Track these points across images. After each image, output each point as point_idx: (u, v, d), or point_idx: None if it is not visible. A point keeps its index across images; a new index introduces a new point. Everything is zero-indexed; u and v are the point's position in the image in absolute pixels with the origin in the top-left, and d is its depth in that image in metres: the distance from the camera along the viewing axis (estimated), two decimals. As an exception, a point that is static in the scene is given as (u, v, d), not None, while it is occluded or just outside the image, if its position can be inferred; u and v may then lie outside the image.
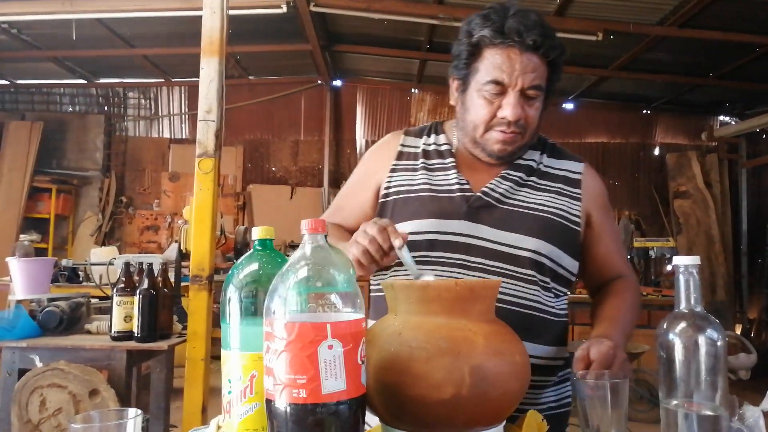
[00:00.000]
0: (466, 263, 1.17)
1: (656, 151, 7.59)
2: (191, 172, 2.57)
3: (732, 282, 7.01)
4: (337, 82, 7.71)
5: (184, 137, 7.82)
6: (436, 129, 1.38)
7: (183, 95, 7.83)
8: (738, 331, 6.65)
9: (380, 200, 1.31)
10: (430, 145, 1.34)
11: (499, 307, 1.12)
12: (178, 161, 7.59)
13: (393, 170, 1.32)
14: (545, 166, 1.30)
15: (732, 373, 5.32)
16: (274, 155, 7.75)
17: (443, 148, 1.33)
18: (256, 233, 0.83)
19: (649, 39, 5.33)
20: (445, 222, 1.20)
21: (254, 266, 0.80)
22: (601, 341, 1.02)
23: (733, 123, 7.48)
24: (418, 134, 1.37)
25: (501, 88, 1.17)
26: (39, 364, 2.22)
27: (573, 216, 1.25)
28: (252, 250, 0.84)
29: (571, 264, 1.25)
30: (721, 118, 7.68)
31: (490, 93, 1.18)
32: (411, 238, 1.22)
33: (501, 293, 1.15)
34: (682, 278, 0.78)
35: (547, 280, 1.21)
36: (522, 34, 1.14)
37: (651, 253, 5.98)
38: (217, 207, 2.57)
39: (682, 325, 0.76)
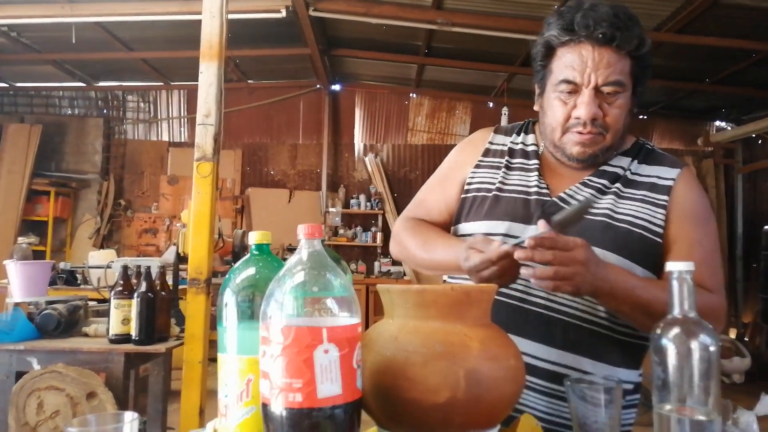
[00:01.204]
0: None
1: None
2: (190, 176, 2.57)
3: (727, 286, 6.99)
4: (336, 86, 7.73)
5: (183, 140, 7.82)
6: (527, 128, 1.32)
7: (182, 99, 7.84)
8: (732, 335, 6.66)
9: (462, 195, 1.27)
10: (517, 144, 1.29)
11: (567, 322, 1.10)
12: (177, 164, 7.60)
13: (478, 166, 1.29)
14: (633, 173, 1.20)
15: (726, 377, 5.33)
16: (272, 159, 7.76)
17: (530, 148, 1.27)
18: (253, 238, 0.84)
19: (646, 44, 5.33)
20: (518, 225, 1.16)
21: (251, 270, 0.81)
22: (578, 244, 0.96)
23: (729, 128, 7.50)
24: (509, 132, 1.33)
25: (574, 87, 1.12)
26: (36, 367, 2.22)
27: (655, 226, 1.13)
28: (249, 254, 0.84)
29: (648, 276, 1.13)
30: (717, 123, 7.70)
31: (564, 93, 1.13)
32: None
33: (567, 307, 1.10)
34: (675, 284, 0.78)
35: None
36: (591, 27, 1.08)
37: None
38: (216, 210, 2.58)
39: (676, 330, 0.77)
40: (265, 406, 0.68)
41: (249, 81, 7.59)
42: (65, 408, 2.12)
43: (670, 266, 0.78)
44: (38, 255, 6.34)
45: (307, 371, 0.65)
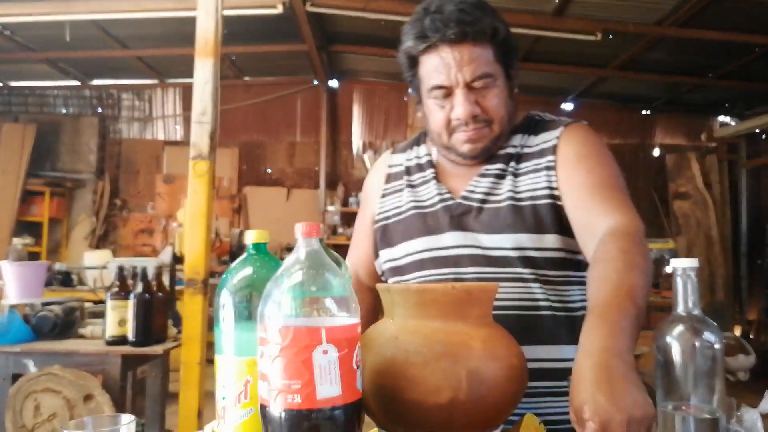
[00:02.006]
0: (459, 276, 1.12)
1: (655, 152, 7.61)
2: (186, 175, 2.55)
3: (731, 283, 7.03)
4: (334, 83, 7.70)
5: (178, 139, 7.80)
6: (419, 140, 1.33)
7: (177, 96, 7.81)
8: (737, 333, 6.67)
9: (374, 227, 1.28)
10: (411, 159, 1.31)
11: (500, 314, 1.06)
12: (173, 163, 7.57)
13: (383, 195, 1.30)
14: (525, 147, 1.19)
15: (731, 375, 5.33)
16: (269, 157, 7.74)
17: (423, 160, 1.28)
18: (250, 237, 0.82)
19: (648, 39, 5.34)
20: (433, 238, 1.16)
21: (248, 270, 0.80)
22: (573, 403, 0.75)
23: (732, 123, 7.50)
24: (404, 149, 1.34)
25: (445, 91, 1.12)
26: (33, 369, 2.21)
27: (553, 190, 1.12)
28: (246, 254, 0.83)
29: (575, 245, 1.12)
30: (721, 118, 7.70)
31: (438, 98, 1.14)
32: (402, 261, 1.20)
33: (500, 299, 1.09)
34: (680, 281, 0.77)
35: (552, 272, 1.11)
36: (441, 30, 1.08)
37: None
38: (212, 210, 2.56)
39: (680, 328, 0.76)
40: (263, 407, 0.67)
41: (245, 78, 7.56)
42: (62, 410, 2.11)
43: (675, 263, 0.78)
44: (34, 256, 6.32)
45: (305, 372, 0.64)
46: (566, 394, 1.07)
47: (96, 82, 7.72)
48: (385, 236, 1.24)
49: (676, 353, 0.75)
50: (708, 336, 0.75)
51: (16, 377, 2.22)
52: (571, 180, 1.11)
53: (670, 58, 5.88)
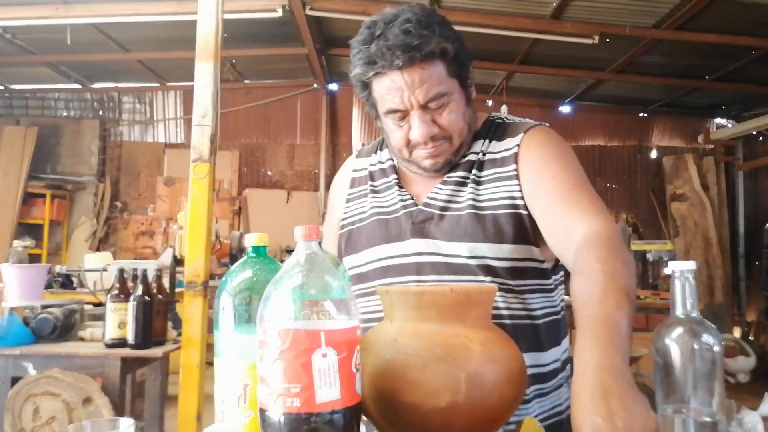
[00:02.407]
0: (420, 284, 1.10)
1: (653, 154, 7.61)
2: (186, 177, 2.55)
3: (730, 285, 7.03)
4: (333, 86, 7.71)
5: (179, 142, 7.80)
6: (381, 144, 1.32)
7: (178, 99, 7.82)
8: (736, 334, 6.66)
9: (339, 232, 1.27)
10: (375, 164, 1.29)
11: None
12: (173, 166, 7.58)
13: (348, 200, 1.29)
14: (487, 153, 1.18)
15: (730, 377, 5.33)
16: (270, 159, 7.74)
17: (386, 165, 1.27)
18: (250, 240, 0.82)
19: (645, 42, 5.34)
20: (395, 245, 1.15)
21: (248, 273, 0.80)
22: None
23: (729, 125, 7.50)
24: (369, 153, 1.33)
25: (400, 114, 1.11)
26: (32, 372, 2.21)
27: (516, 200, 1.11)
28: (246, 257, 0.83)
29: (539, 253, 1.11)
30: (718, 120, 7.71)
31: (394, 120, 1.13)
32: (365, 268, 1.18)
33: None
34: (678, 283, 0.77)
35: (511, 282, 1.09)
36: (388, 58, 1.05)
37: (648, 256, 5.99)
38: (213, 212, 2.56)
39: (678, 330, 0.76)
40: (262, 411, 0.67)
41: (245, 81, 7.57)
42: (61, 414, 2.11)
43: (673, 265, 0.78)
44: (34, 258, 6.32)
45: (305, 376, 0.64)
46: (530, 400, 1.09)
47: (97, 85, 7.73)
48: (349, 242, 1.23)
49: (675, 356, 0.75)
50: (707, 338, 0.75)
51: (15, 380, 2.22)
52: (537, 189, 1.09)
53: (667, 60, 5.89)
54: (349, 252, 1.23)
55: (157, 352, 2.27)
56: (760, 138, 7.25)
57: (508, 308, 1.10)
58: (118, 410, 2.18)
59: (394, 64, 1.06)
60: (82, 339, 2.40)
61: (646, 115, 7.65)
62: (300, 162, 7.72)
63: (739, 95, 6.86)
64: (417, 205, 1.18)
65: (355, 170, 1.32)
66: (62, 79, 7.31)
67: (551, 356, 1.14)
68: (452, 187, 1.16)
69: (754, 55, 5.55)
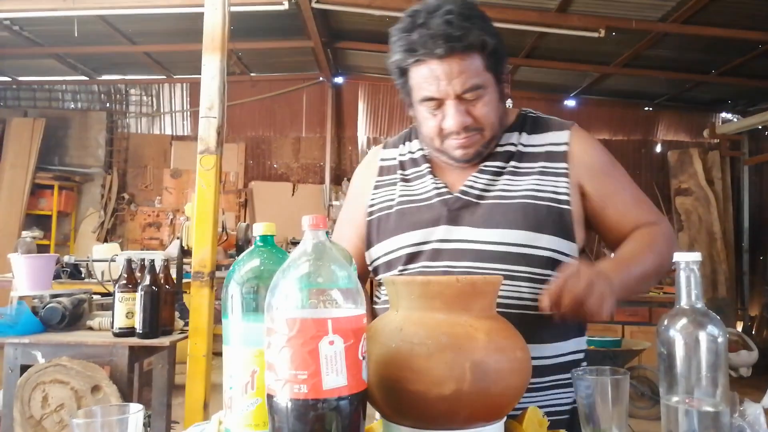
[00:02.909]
0: (450, 270, 1.12)
1: (658, 149, 7.58)
2: (193, 169, 2.57)
3: (733, 279, 7.01)
4: (339, 79, 7.70)
5: (185, 134, 7.82)
6: (411, 136, 1.33)
7: (185, 92, 7.83)
8: (739, 329, 6.65)
9: (366, 219, 1.27)
10: (405, 154, 1.30)
11: (509, 313, 1.08)
12: (180, 158, 7.60)
13: (376, 187, 1.30)
14: (525, 146, 1.21)
15: (733, 371, 5.33)
16: (275, 152, 7.75)
17: (417, 155, 1.29)
18: (258, 229, 0.83)
19: (651, 35, 5.31)
20: (427, 231, 1.16)
21: (255, 262, 0.80)
22: (578, 272, 0.98)
23: (735, 120, 7.46)
24: (396, 144, 1.34)
25: (436, 102, 1.13)
26: (41, 360, 2.23)
27: (560, 195, 1.15)
28: (253, 246, 0.84)
29: (568, 247, 1.15)
30: (724, 115, 7.67)
31: (429, 108, 1.14)
32: (396, 254, 1.19)
33: (506, 298, 1.10)
34: (683, 275, 0.78)
35: (543, 271, 1.12)
36: (430, 46, 1.08)
37: (652, 250, 5.96)
38: (219, 203, 2.57)
39: (683, 321, 0.76)
40: (270, 397, 0.68)
41: (252, 74, 7.57)
42: (70, 401, 2.13)
43: (678, 257, 0.78)
44: (42, 249, 6.34)
45: (312, 363, 0.65)
46: (547, 389, 1.12)
47: (104, 77, 7.75)
48: (378, 229, 1.24)
49: (680, 347, 0.76)
50: (711, 329, 0.75)
51: (24, 368, 2.24)
52: (605, 189, 1.19)
53: (673, 54, 5.85)
54: (378, 239, 1.23)
55: (164, 341, 2.28)
56: (766, 133, 7.21)
57: (534, 298, 1.11)
58: (126, 398, 2.20)
59: (434, 52, 1.08)
60: (90, 328, 2.42)
61: (651, 109, 7.62)
62: (305, 155, 7.73)
63: (745, 90, 6.82)
64: (452, 193, 1.19)
65: (383, 159, 1.33)
66: (69, 71, 7.33)
67: (571, 346, 1.17)
68: (489, 176, 1.19)
69: (761, 50, 5.51)
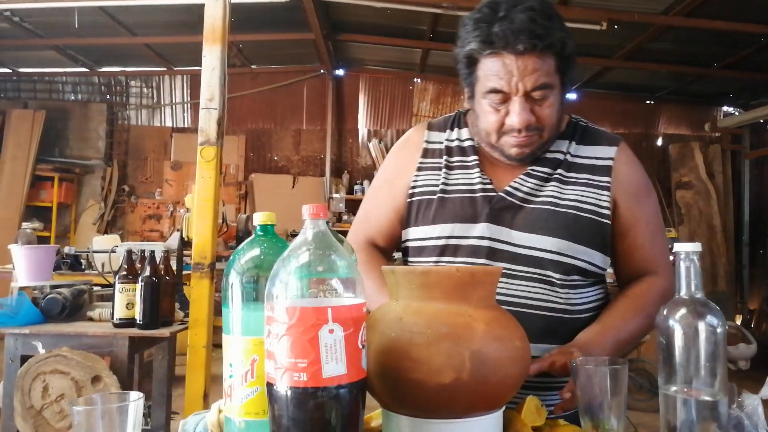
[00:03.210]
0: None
1: (659, 142, 7.57)
2: (193, 161, 2.57)
3: (733, 272, 7.02)
4: (340, 72, 7.69)
5: (186, 126, 7.81)
6: (459, 122, 1.31)
7: (185, 84, 7.82)
8: (738, 322, 6.66)
9: (407, 200, 1.26)
10: (453, 141, 1.28)
11: (526, 313, 1.12)
12: (180, 150, 7.59)
13: (419, 169, 1.27)
14: (573, 156, 1.22)
15: (732, 364, 5.34)
16: (276, 144, 7.75)
17: (466, 144, 1.27)
18: (258, 218, 0.83)
19: (653, 28, 5.29)
20: (467, 225, 1.16)
21: (256, 251, 0.80)
22: (568, 352, 1.01)
23: (736, 114, 7.45)
24: (442, 128, 1.31)
25: (503, 96, 1.11)
26: (41, 351, 2.23)
27: (601, 208, 1.17)
28: (254, 235, 0.84)
29: (602, 260, 1.18)
30: (725, 108, 7.65)
31: (493, 102, 1.13)
32: (431, 242, 1.19)
33: (528, 298, 1.12)
34: (682, 265, 0.78)
35: (577, 279, 1.15)
36: (510, 41, 1.06)
37: (653, 243, 5.97)
38: (219, 195, 2.57)
39: (683, 311, 0.76)
40: (270, 385, 0.68)
41: (252, 66, 7.56)
42: (70, 391, 2.14)
43: (678, 247, 0.78)
44: (42, 240, 6.34)
45: (312, 351, 0.65)
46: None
47: (104, 69, 7.73)
48: (417, 213, 1.23)
49: (679, 336, 0.76)
50: (711, 319, 0.75)
51: (24, 359, 2.25)
52: (633, 214, 1.20)
53: (675, 48, 5.83)
54: (418, 223, 1.22)
55: (164, 332, 2.29)
56: (767, 126, 7.20)
57: (566, 303, 1.15)
58: (126, 389, 2.19)
59: (515, 47, 1.07)
60: (90, 319, 2.43)
61: (652, 102, 7.60)
62: (306, 147, 7.72)
63: (747, 83, 6.81)
64: (496, 192, 1.19)
65: (429, 141, 1.30)
66: (69, 62, 7.32)
67: None
68: (536, 180, 1.19)
69: (763, 43, 5.50)
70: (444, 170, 1.24)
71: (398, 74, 7.64)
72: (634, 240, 1.20)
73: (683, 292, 0.78)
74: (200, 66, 2.56)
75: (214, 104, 2.51)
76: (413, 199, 1.25)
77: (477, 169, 1.22)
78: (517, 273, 1.13)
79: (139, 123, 7.88)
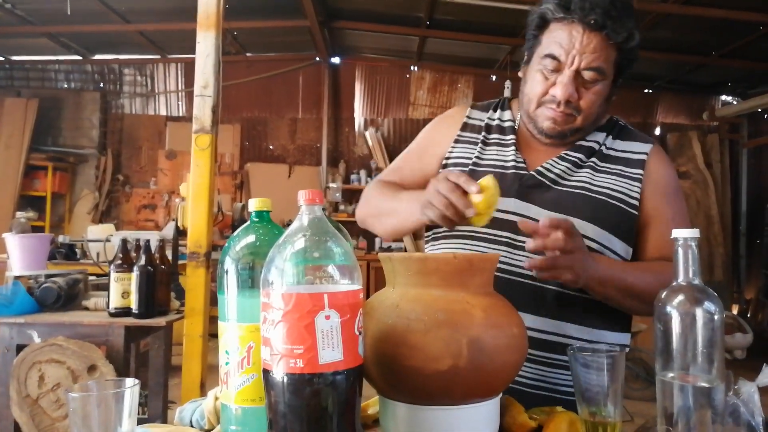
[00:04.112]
0: (512, 242, 1.15)
1: (657, 131, 7.57)
2: (188, 150, 2.55)
3: (730, 262, 7.05)
4: (336, 60, 7.65)
5: (180, 115, 7.76)
6: (503, 105, 1.34)
7: (179, 72, 7.76)
8: (735, 311, 6.70)
9: (440, 170, 1.28)
10: (494, 120, 1.32)
11: (549, 289, 1.13)
12: (175, 139, 7.55)
13: (456, 141, 1.31)
14: (608, 148, 1.25)
15: (728, 353, 5.38)
16: (271, 133, 7.71)
17: (506, 124, 1.30)
18: (253, 204, 0.82)
19: (651, 17, 5.27)
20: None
21: (251, 238, 0.80)
22: (572, 235, 0.99)
23: (734, 103, 7.44)
24: (485, 108, 1.35)
25: (557, 65, 1.13)
26: (37, 340, 2.23)
27: (631, 198, 1.19)
28: (249, 221, 0.83)
29: (624, 249, 1.19)
30: (723, 97, 7.65)
31: (546, 68, 1.15)
32: None
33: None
34: (681, 251, 0.77)
35: None
36: (586, 11, 1.09)
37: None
38: (215, 183, 2.56)
39: (680, 297, 0.76)
40: (266, 372, 0.68)
41: (247, 54, 7.50)
42: (66, 380, 2.14)
43: (675, 233, 0.78)
44: (37, 230, 6.32)
45: (308, 337, 0.65)
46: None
47: (97, 56, 7.67)
48: None
49: (676, 323, 0.75)
50: (708, 305, 0.75)
51: (20, 348, 2.24)
52: (659, 211, 1.20)
53: (673, 36, 5.81)
54: None
55: (160, 321, 2.28)
56: (766, 116, 7.20)
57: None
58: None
59: (586, 19, 1.09)
60: (86, 308, 2.42)
61: (650, 91, 7.59)
62: (302, 136, 7.69)
63: (745, 72, 6.80)
64: (528, 170, 1.21)
65: (470, 117, 1.34)
66: (62, 50, 7.25)
67: (616, 338, 1.20)
68: (569, 164, 1.21)
69: (762, 32, 5.48)
70: (480, 145, 1.28)
71: (395, 62, 7.61)
72: (654, 235, 1.21)
73: (681, 279, 0.77)
74: (194, 54, 2.53)
75: (208, 91, 2.49)
76: (445, 170, 1.25)
77: (512, 148, 1.25)
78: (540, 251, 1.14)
79: (133, 111, 7.82)
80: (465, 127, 1.32)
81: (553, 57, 1.13)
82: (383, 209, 1.27)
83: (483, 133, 1.29)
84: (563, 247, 0.97)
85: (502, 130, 1.29)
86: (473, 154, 1.27)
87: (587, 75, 1.13)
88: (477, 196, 0.95)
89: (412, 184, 1.31)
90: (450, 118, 1.37)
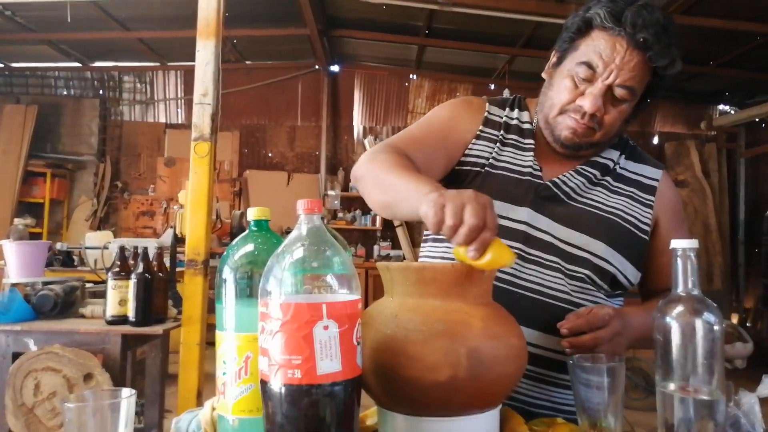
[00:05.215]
0: (522, 254, 1.12)
1: (655, 140, 7.58)
2: (187, 158, 2.55)
3: (729, 271, 7.04)
4: (335, 68, 7.66)
5: (180, 122, 7.77)
6: (520, 104, 1.30)
7: (179, 79, 7.78)
8: (734, 321, 6.69)
9: (456, 167, 1.22)
10: (513, 119, 1.27)
11: (549, 303, 1.11)
12: (174, 146, 7.55)
13: (478, 137, 1.24)
14: (621, 168, 1.24)
15: (728, 362, 5.37)
16: (270, 141, 7.72)
17: (525, 126, 1.26)
18: (252, 214, 0.82)
19: (648, 26, 5.29)
20: (509, 206, 1.15)
21: (250, 247, 0.80)
22: (603, 306, 1.01)
23: (732, 112, 7.47)
24: (501, 105, 1.30)
25: (592, 75, 1.10)
26: (33, 348, 2.22)
27: (642, 224, 1.19)
28: (248, 230, 0.83)
29: (633, 273, 1.18)
30: (721, 107, 7.67)
31: (578, 75, 1.11)
32: None
33: (553, 290, 1.12)
34: (680, 261, 0.77)
35: (603, 284, 1.15)
36: (637, 27, 1.06)
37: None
38: (213, 191, 2.56)
39: (679, 308, 0.76)
40: (264, 382, 0.67)
41: (247, 62, 7.52)
42: (62, 389, 2.12)
43: (674, 243, 0.78)
44: (35, 237, 6.33)
45: (306, 347, 0.64)
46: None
47: (97, 63, 7.69)
48: (464, 181, 1.21)
49: (676, 334, 0.75)
50: (708, 316, 0.75)
51: (16, 356, 2.23)
52: (669, 234, 1.18)
53: (672, 45, 5.84)
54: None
55: (157, 329, 2.27)
56: (763, 125, 7.22)
57: (591, 303, 1.14)
58: (119, 387, 2.19)
59: (634, 36, 1.07)
60: (82, 316, 2.41)
61: (648, 100, 7.61)
62: (301, 144, 7.69)
63: (743, 82, 6.82)
64: (544, 180, 1.19)
65: (490, 113, 1.28)
66: (62, 57, 7.27)
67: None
68: (583, 179, 1.20)
69: (759, 41, 5.51)
70: (498, 144, 1.23)
71: (394, 71, 7.63)
72: (669, 264, 1.20)
73: (680, 289, 0.77)
74: (194, 61, 2.54)
75: (207, 99, 2.50)
76: (463, 168, 1.22)
77: (531, 154, 1.21)
78: (550, 264, 1.12)
79: (132, 119, 7.83)
80: (486, 122, 1.27)
81: (590, 66, 1.10)
82: (385, 182, 1.08)
83: (501, 132, 1.25)
84: (594, 341, 0.99)
85: (521, 131, 1.25)
86: (490, 153, 1.22)
87: (618, 92, 1.10)
88: (488, 256, 0.82)
89: (427, 163, 1.19)
90: (473, 108, 1.28)
